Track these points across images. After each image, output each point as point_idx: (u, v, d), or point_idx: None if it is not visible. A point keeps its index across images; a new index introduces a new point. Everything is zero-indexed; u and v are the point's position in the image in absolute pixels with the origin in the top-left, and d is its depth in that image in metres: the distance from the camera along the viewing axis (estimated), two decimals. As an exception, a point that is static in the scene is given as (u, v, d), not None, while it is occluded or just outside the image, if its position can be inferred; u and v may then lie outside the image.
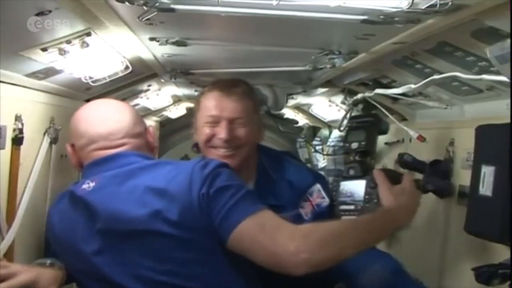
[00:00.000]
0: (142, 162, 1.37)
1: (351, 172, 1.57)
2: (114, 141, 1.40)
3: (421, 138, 1.92)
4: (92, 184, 1.34)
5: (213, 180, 1.27)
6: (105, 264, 1.29)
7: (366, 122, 1.74)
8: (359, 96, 2.33)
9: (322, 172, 3.24)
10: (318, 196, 1.68)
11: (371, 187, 1.50)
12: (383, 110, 2.21)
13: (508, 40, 1.09)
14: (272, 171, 1.76)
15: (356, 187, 1.53)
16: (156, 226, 1.25)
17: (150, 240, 1.26)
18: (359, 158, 1.60)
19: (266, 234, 1.21)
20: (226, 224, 1.23)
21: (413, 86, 1.67)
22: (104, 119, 1.43)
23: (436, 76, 1.54)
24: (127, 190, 1.30)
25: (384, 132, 1.86)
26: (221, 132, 1.65)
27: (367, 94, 2.19)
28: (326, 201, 1.68)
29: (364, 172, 1.57)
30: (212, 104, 1.68)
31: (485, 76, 1.33)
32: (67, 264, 1.43)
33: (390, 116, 2.18)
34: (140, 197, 1.27)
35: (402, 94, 1.89)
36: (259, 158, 1.78)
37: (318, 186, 1.70)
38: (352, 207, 1.48)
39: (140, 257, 1.28)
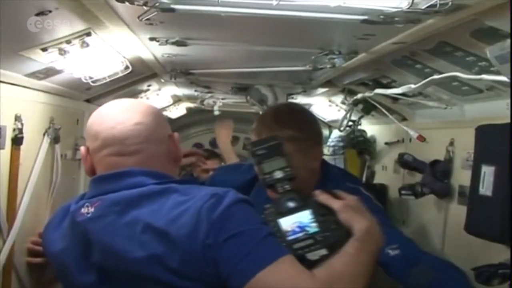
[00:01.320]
0: (148, 186, 1.22)
1: (291, 204, 1.33)
2: (130, 147, 1.25)
3: (421, 138, 1.92)
4: (91, 210, 1.22)
5: (222, 226, 1.13)
6: None
7: (274, 146, 1.47)
8: (359, 96, 2.34)
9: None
10: None
11: (323, 214, 1.30)
12: (383, 110, 2.22)
13: (508, 40, 1.09)
14: None
15: (302, 220, 1.30)
16: (154, 272, 1.14)
17: (146, 285, 1.16)
18: (291, 187, 1.36)
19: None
20: (239, 276, 1.10)
21: (413, 86, 1.67)
22: (122, 121, 1.26)
23: (436, 76, 1.54)
24: (126, 224, 1.18)
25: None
26: None
27: (367, 94, 2.19)
28: None
29: (304, 200, 1.34)
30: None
31: (485, 76, 1.33)
32: (61, 283, 1.36)
33: (390, 116, 2.18)
34: (139, 236, 1.16)
35: (402, 94, 1.89)
36: (323, 182, 1.75)
37: None
38: (311, 241, 1.27)
39: None
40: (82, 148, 1.31)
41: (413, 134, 1.95)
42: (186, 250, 1.12)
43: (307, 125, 1.75)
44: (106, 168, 1.26)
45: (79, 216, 1.22)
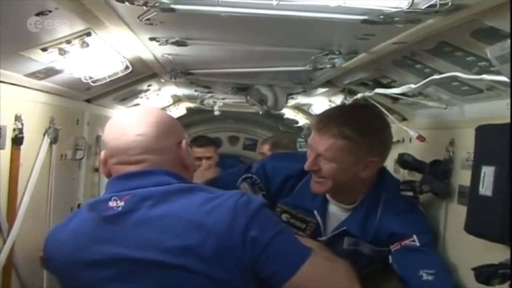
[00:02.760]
0: (174, 184, 1.28)
1: None
2: (132, 157, 1.29)
3: (421, 138, 1.92)
4: (120, 203, 1.25)
5: (264, 222, 1.25)
6: None
7: None
8: (359, 96, 2.33)
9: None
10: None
11: None
12: (383, 110, 2.22)
13: (508, 40, 1.09)
14: (382, 209, 1.75)
15: None
16: (187, 261, 1.20)
17: (177, 275, 1.22)
18: None
19: (323, 278, 1.27)
20: (286, 270, 1.23)
21: (413, 86, 1.67)
22: (124, 132, 1.31)
23: (436, 76, 1.54)
24: (159, 217, 1.23)
25: None
26: (307, 161, 1.71)
27: (367, 94, 2.19)
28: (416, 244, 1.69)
29: None
30: (312, 134, 1.74)
31: (485, 76, 1.33)
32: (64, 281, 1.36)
33: (390, 116, 2.18)
34: (173, 228, 1.22)
35: (402, 94, 1.89)
36: (378, 188, 1.77)
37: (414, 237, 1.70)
38: None
39: None
40: (103, 153, 1.37)
41: (413, 134, 1.95)
42: (222, 241, 1.21)
43: (371, 132, 1.68)
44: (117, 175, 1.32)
45: (107, 210, 1.26)
